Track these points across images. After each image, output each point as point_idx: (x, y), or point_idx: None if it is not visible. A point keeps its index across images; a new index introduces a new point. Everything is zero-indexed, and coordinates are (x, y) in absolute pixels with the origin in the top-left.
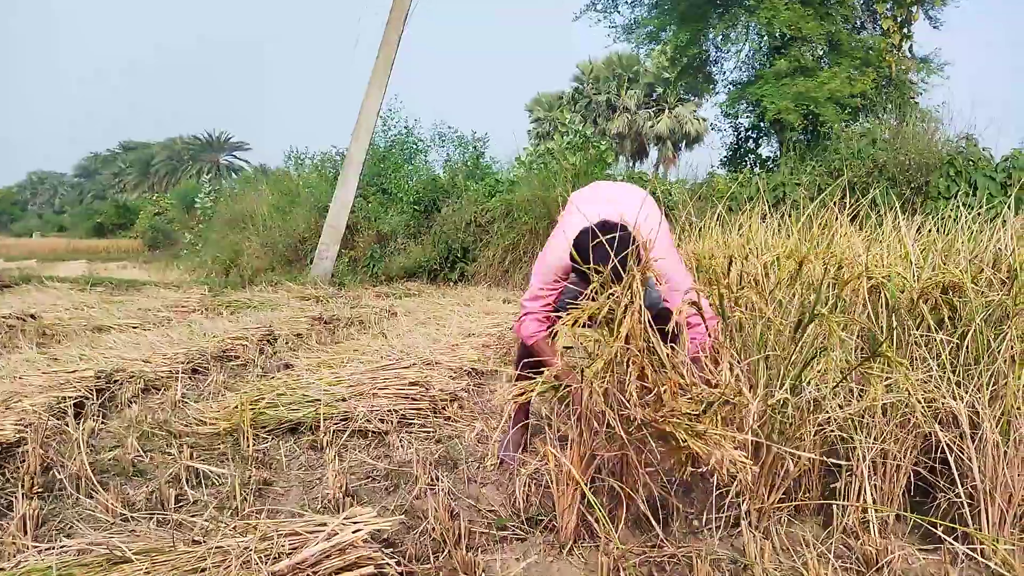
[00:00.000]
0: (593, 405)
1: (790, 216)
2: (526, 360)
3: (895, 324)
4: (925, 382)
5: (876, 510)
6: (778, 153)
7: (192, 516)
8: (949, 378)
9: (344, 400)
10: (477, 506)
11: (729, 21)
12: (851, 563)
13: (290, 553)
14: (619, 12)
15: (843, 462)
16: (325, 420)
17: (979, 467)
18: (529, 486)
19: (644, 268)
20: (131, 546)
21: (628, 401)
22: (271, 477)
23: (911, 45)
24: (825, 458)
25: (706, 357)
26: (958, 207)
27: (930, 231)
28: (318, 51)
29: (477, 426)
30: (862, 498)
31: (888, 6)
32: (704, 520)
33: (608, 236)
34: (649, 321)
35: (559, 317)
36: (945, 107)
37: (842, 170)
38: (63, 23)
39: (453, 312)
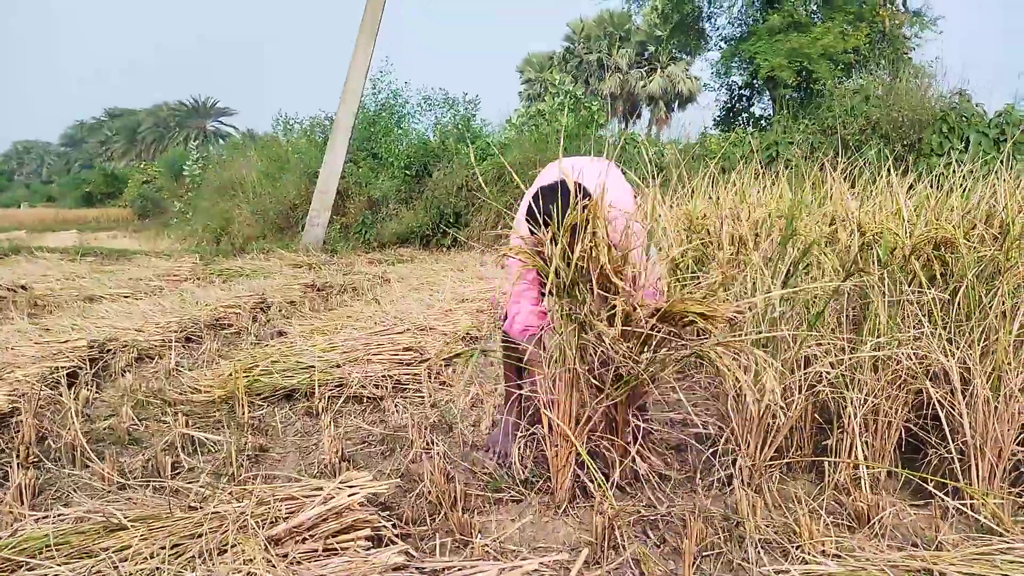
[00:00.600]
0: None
1: (783, 175)
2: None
3: (886, 279)
4: (916, 339)
5: (867, 466)
6: (771, 112)
7: (188, 483)
8: (940, 334)
9: (338, 366)
10: (473, 469)
11: None
12: (843, 519)
13: (287, 517)
14: None
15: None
16: (320, 386)
17: (970, 423)
18: (524, 448)
19: (594, 211)
20: (128, 513)
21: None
22: (267, 444)
23: None
24: (816, 415)
25: None
26: (951, 163)
27: (923, 188)
28: (305, 14)
29: (472, 390)
30: (853, 455)
31: None
32: (697, 478)
33: (556, 186)
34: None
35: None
36: (938, 62)
37: (835, 128)
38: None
39: (446, 277)
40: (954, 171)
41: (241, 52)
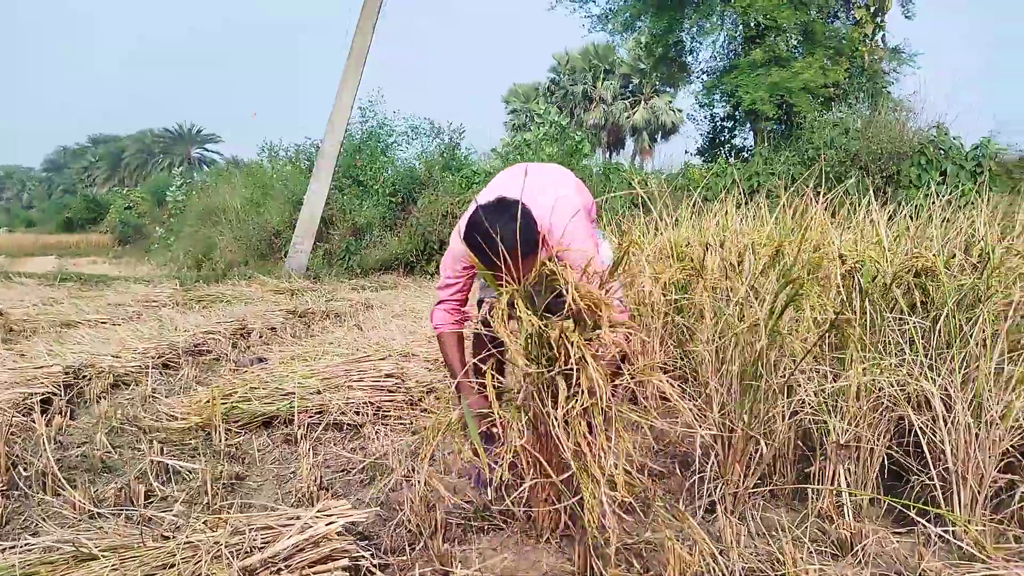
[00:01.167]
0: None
1: (765, 206)
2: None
3: (868, 308)
4: (898, 366)
5: (850, 493)
6: (753, 143)
7: (162, 512)
8: (922, 361)
9: (319, 393)
10: (454, 497)
11: (705, 10)
12: (826, 547)
13: (262, 547)
14: (595, 1)
15: (817, 446)
16: (299, 413)
17: (951, 449)
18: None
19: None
20: (98, 543)
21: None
22: (244, 472)
23: (883, 35)
24: (799, 442)
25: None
26: (929, 194)
27: (903, 218)
28: (293, 42)
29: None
30: (836, 482)
31: None
32: (681, 506)
33: (492, 214)
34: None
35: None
36: (916, 96)
37: (816, 160)
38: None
39: (430, 304)
40: (933, 202)
41: (228, 79)
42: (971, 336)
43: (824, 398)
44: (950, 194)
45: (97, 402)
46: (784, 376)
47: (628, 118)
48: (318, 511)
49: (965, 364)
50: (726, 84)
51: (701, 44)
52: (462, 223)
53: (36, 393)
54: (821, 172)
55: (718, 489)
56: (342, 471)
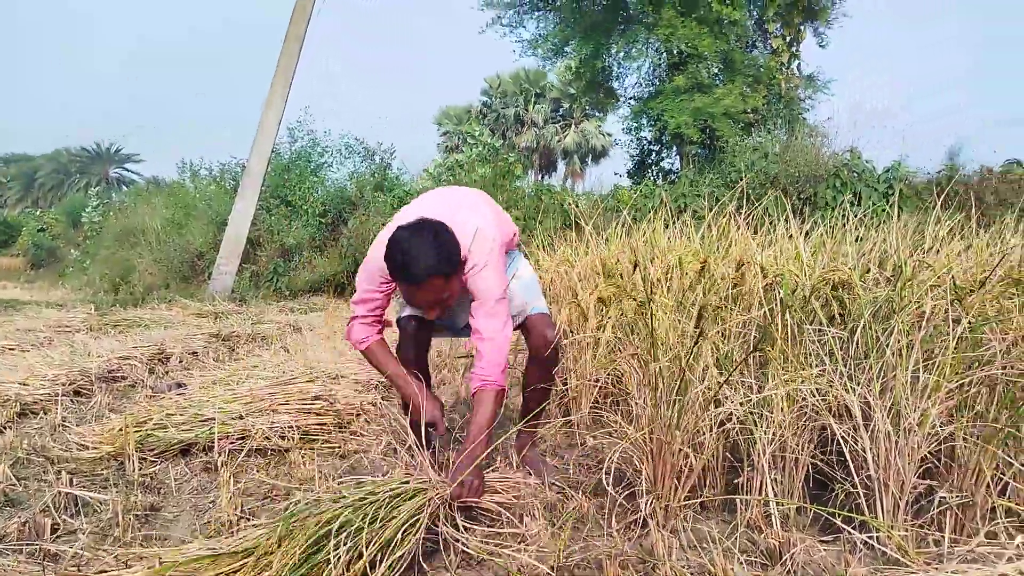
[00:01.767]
0: None
1: (691, 225)
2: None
3: (788, 320)
4: (819, 376)
5: (777, 503)
6: (679, 166)
7: (68, 546)
8: (841, 371)
9: (241, 418)
10: None
11: (630, 37)
12: (756, 556)
13: None
14: (524, 27)
15: (744, 457)
16: (220, 439)
17: (873, 457)
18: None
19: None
20: None
21: None
22: (159, 502)
23: (799, 64)
24: (727, 454)
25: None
26: (845, 213)
27: (820, 235)
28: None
29: (384, 439)
30: (764, 492)
31: (778, 26)
32: (612, 521)
33: (413, 234)
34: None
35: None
36: (831, 122)
37: (738, 182)
38: None
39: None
40: (847, 220)
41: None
42: (887, 346)
43: (749, 409)
44: (864, 214)
45: (2, 432)
46: (711, 389)
47: (559, 141)
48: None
49: (883, 373)
50: (652, 109)
51: (627, 70)
52: (383, 235)
53: None
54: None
55: (649, 503)
56: (266, 498)
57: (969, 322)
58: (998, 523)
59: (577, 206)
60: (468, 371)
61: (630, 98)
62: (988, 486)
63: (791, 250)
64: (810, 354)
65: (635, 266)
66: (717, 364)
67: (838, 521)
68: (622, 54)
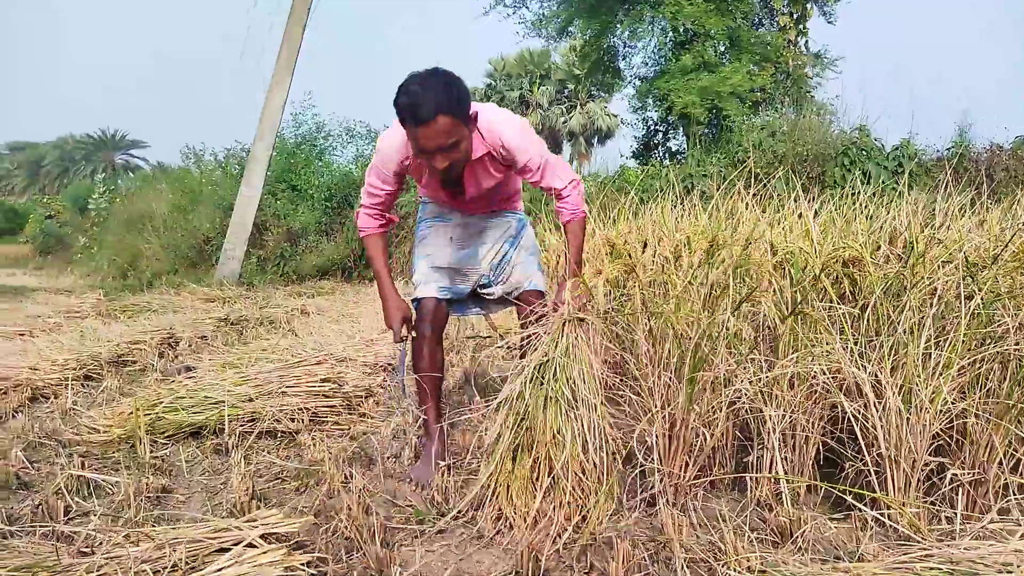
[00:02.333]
0: None
1: (699, 204)
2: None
3: (799, 297)
4: (829, 353)
5: (788, 481)
6: (685, 146)
7: (80, 528)
8: (852, 349)
9: (251, 400)
10: (394, 501)
11: (635, 16)
12: (766, 535)
13: (187, 561)
14: (527, 8)
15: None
16: (230, 422)
17: (884, 435)
18: (446, 477)
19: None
20: (9, 563)
21: None
22: (170, 484)
23: (806, 41)
24: (737, 432)
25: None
26: (856, 192)
27: (830, 212)
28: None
29: (393, 421)
30: (774, 470)
31: (785, 3)
32: (623, 500)
33: (424, 76)
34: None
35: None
36: (839, 100)
37: (745, 161)
38: None
39: (368, 309)
40: (857, 198)
41: (154, 84)
42: (899, 323)
43: (760, 387)
44: (872, 192)
45: (13, 416)
46: (722, 368)
47: (565, 123)
48: (246, 521)
49: (894, 351)
50: (658, 89)
51: (633, 50)
52: (392, 126)
53: None
54: (752, 173)
55: (660, 481)
56: (276, 479)
57: (981, 298)
58: (1010, 500)
59: (587, 182)
60: (477, 352)
61: (636, 78)
62: (1000, 463)
63: (800, 228)
64: (821, 332)
65: (645, 245)
66: (728, 346)
67: (849, 499)
68: (627, 33)
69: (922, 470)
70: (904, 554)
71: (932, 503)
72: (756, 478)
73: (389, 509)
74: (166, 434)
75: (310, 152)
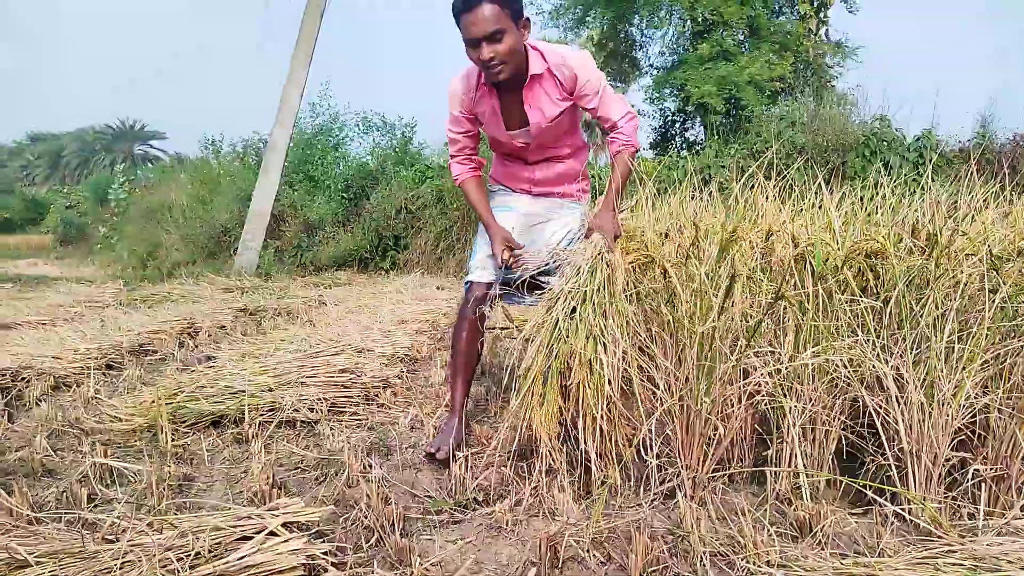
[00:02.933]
0: None
1: (717, 195)
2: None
3: (820, 289)
4: (851, 347)
5: (808, 475)
6: (703, 136)
7: (104, 515)
8: (874, 342)
9: (271, 390)
10: (412, 491)
11: (653, 5)
12: (786, 529)
13: (210, 549)
14: None
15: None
16: (250, 411)
17: (905, 429)
18: (465, 468)
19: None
20: (34, 549)
21: None
22: (192, 472)
23: (827, 30)
24: (756, 426)
25: (629, 155)
26: (878, 183)
27: (852, 203)
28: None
29: (411, 412)
30: (793, 464)
31: None
32: (640, 492)
33: None
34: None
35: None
36: (859, 89)
37: (764, 152)
38: None
39: (385, 300)
40: (878, 190)
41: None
42: (921, 316)
43: (779, 380)
44: (894, 183)
45: (37, 405)
46: (739, 359)
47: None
48: (268, 510)
49: (916, 344)
50: (675, 79)
51: (651, 39)
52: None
53: None
54: (772, 164)
55: (678, 475)
56: (296, 469)
57: (1006, 292)
58: None
59: (600, 178)
60: (497, 343)
61: (653, 67)
62: None
63: (821, 219)
64: (842, 324)
65: (665, 235)
66: (746, 335)
67: (870, 493)
68: (645, 23)
69: (944, 465)
70: (926, 550)
71: (954, 498)
72: (775, 472)
73: (408, 499)
74: (187, 423)
75: (326, 142)
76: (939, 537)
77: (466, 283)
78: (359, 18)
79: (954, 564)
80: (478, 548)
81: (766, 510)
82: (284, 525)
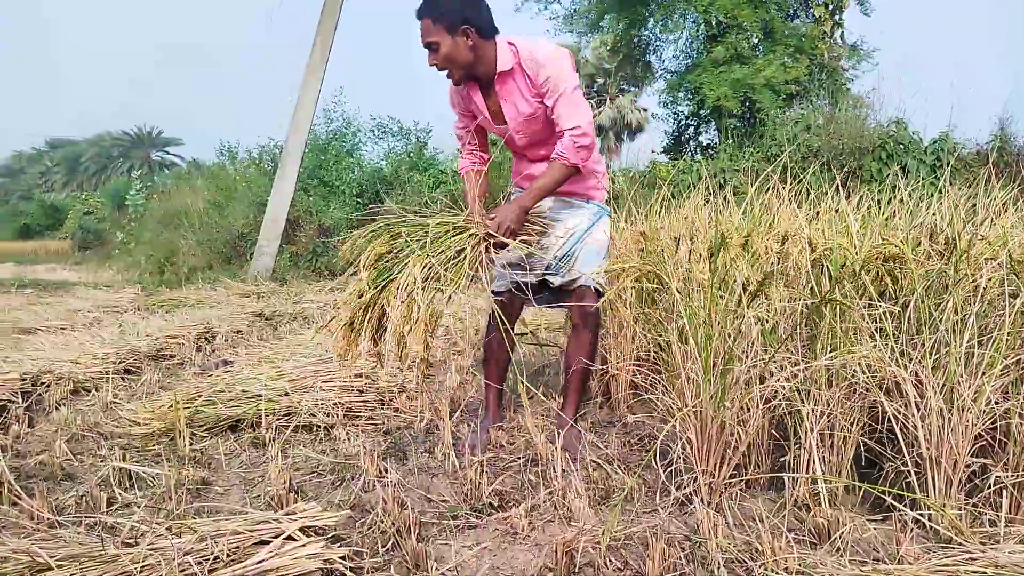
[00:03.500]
0: None
1: (732, 199)
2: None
3: (838, 294)
4: (870, 352)
5: (826, 481)
6: (717, 140)
7: (123, 519)
8: (893, 347)
9: (287, 395)
10: (428, 496)
11: (667, 9)
12: (804, 535)
13: (229, 553)
14: (559, 2)
15: (791, 435)
16: (267, 416)
17: (925, 435)
18: (481, 472)
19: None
20: (55, 552)
21: None
22: (210, 476)
23: (842, 32)
24: (773, 432)
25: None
26: (896, 186)
27: (868, 207)
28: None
29: (426, 416)
30: (811, 470)
31: None
32: (657, 498)
33: None
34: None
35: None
36: (875, 92)
37: (778, 155)
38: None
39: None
40: (896, 194)
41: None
42: (940, 321)
43: (797, 385)
44: (911, 187)
45: (56, 409)
46: (756, 364)
47: (595, 117)
48: (285, 514)
49: (936, 349)
50: (690, 82)
51: (664, 43)
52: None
53: None
54: (787, 168)
55: (694, 480)
56: (312, 473)
57: None
58: None
59: (614, 182)
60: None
61: (667, 71)
62: None
63: (838, 224)
64: (860, 329)
65: (678, 242)
66: (763, 342)
67: (889, 499)
68: (659, 26)
69: (964, 471)
70: (946, 557)
71: (975, 505)
72: (793, 478)
73: (424, 504)
74: (204, 427)
75: (341, 148)
76: (960, 544)
77: (493, 293)
78: (374, 25)
79: (975, 572)
80: (494, 553)
81: (784, 516)
82: (301, 529)
